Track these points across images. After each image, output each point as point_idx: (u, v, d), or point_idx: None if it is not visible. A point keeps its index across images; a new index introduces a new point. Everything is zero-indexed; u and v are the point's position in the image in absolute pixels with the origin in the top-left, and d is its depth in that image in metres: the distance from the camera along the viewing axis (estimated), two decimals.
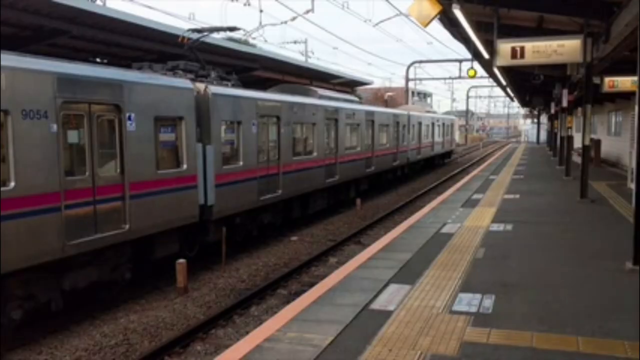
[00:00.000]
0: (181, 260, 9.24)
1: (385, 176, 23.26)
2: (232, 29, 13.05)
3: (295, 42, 38.35)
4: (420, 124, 28.45)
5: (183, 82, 10.01)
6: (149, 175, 8.86)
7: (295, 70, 21.84)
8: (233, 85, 12.16)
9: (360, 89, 36.25)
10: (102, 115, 8.14)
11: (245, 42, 23.21)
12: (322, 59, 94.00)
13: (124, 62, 14.13)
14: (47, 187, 7.12)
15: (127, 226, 8.38)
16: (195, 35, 12.34)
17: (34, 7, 10.49)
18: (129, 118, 8.48)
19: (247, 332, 6.39)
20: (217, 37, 16.49)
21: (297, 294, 8.58)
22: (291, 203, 14.29)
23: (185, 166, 9.73)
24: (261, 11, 25.06)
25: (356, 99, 22.93)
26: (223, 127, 10.92)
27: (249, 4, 19.82)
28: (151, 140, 8.97)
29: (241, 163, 11.46)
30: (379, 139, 21.42)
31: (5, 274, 6.67)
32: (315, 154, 15.33)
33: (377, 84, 50.63)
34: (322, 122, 15.86)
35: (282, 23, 28.79)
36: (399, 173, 25.55)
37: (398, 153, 24.14)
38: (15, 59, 6.90)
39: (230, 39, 21.46)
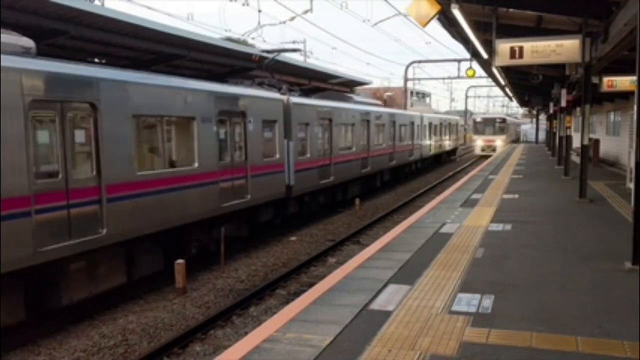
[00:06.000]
0: (180, 261, 9.25)
1: (402, 169, 26.69)
2: (295, 50, 17.12)
3: (294, 42, 38.28)
4: (431, 124, 32.11)
5: (277, 95, 13.60)
6: (259, 162, 12.32)
7: (294, 70, 21.78)
8: (299, 95, 15.44)
9: (359, 89, 36.16)
10: (235, 119, 11.54)
11: (244, 42, 23.19)
12: (321, 59, 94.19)
13: (123, 62, 14.12)
14: (212, 167, 10.56)
15: (248, 196, 11.83)
16: (268, 55, 16.03)
17: (33, 7, 10.45)
18: (249, 121, 11.92)
19: (246, 333, 6.39)
20: (215, 37, 16.63)
21: (296, 294, 8.59)
22: (336, 188, 17.70)
23: (277, 156, 13.24)
24: (259, 11, 25.16)
25: (380, 102, 26.39)
26: (298, 127, 14.27)
27: (247, 4, 19.84)
28: (260, 137, 12.45)
29: (308, 155, 15.02)
30: (399, 137, 24.84)
31: (190, 224, 10.05)
32: (354, 149, 18.75)
33: (376, 83, 50.53)
34: (359, 123, 19.26)
35: (280, 23, 28.82)
36: (413, 167, 29.17)
37: (414, 149, 27.83)
38: (195, 83, 10.59)
39: (229, 39, 21.46)
